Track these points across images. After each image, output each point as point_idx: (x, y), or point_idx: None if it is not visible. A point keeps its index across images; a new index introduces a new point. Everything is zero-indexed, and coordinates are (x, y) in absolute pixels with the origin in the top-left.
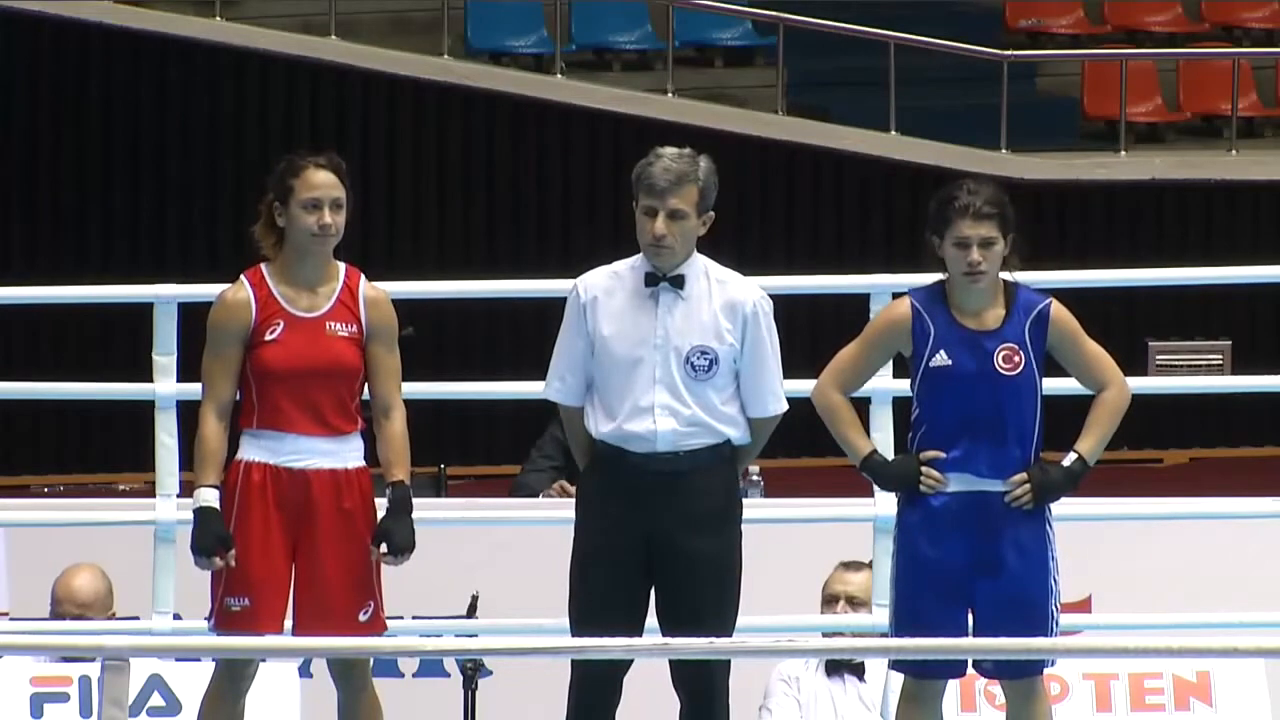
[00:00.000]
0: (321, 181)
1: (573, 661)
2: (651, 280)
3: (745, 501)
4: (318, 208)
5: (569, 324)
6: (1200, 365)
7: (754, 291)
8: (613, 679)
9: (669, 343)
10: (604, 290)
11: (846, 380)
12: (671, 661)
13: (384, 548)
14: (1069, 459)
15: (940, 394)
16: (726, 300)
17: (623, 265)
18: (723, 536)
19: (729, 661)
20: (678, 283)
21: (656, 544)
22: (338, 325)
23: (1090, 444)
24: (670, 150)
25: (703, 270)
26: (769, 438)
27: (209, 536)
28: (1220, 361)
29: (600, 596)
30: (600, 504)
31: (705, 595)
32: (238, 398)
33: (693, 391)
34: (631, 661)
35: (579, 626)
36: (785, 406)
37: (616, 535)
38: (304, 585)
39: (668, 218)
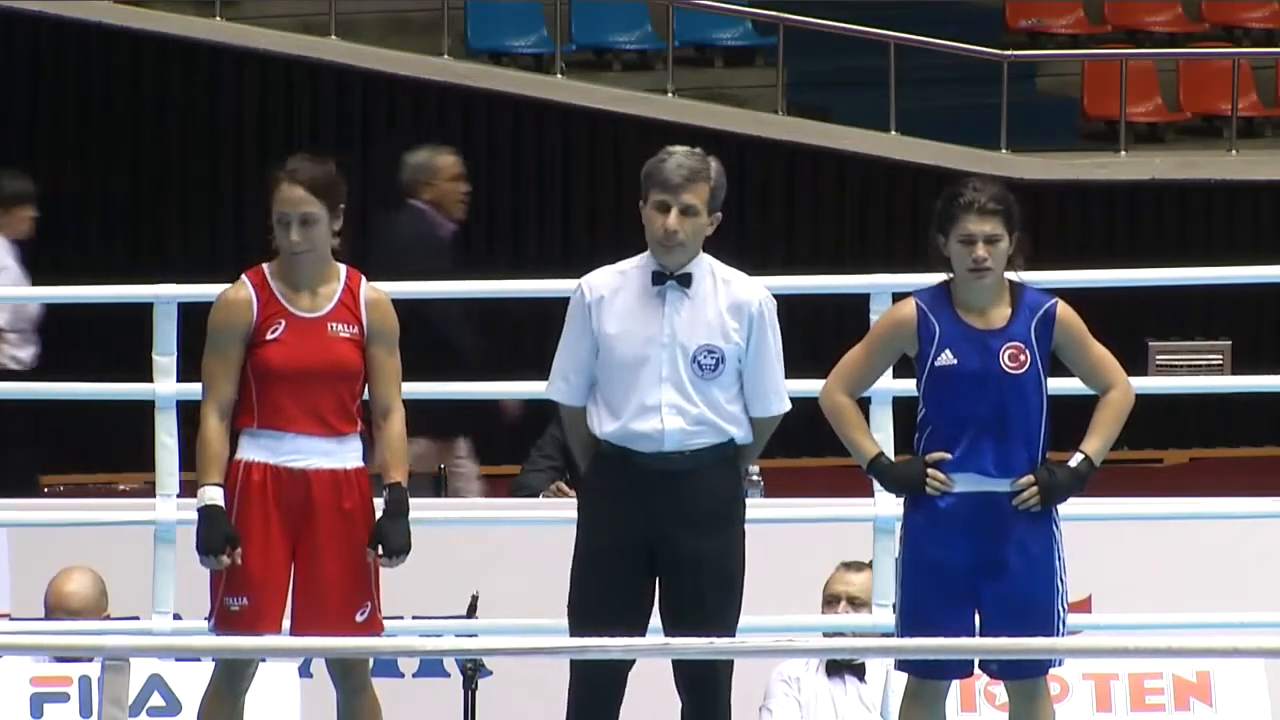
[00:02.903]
0: (288, 198)
1: (573, 661)
2: (658, 279)
3: (745, 501)
4: (286, 224)
5: (573, 324)
6: (1200, 365)
7: (759, 291)
8: (615, 679)
9: (676, 341)
10: (610, 289)
11: (853, 382)
12: (674, 661)
13: (380, 549)
14: (1075, 460)
15: (946, 393)
16: (732, 299)
17: (628, 264)
18: (725, 537)
19: (732, 662)
20: (684, 281)
21: (659, 544)
22: (339, 326)
23: (1096, 445)
24: (682, 149)
25: (709, 269)
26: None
27: (217, 536)
28: (1220, 361)
29: (603, 596)
30: (603, 503)
31: (708, 596)
32: (236, 397)
33: (699, 390)
34: (634, 661)
35: (580, 626)
36: (788, 406)
37: (620, 535)
38: (302, 585)
39: (680, 213)
